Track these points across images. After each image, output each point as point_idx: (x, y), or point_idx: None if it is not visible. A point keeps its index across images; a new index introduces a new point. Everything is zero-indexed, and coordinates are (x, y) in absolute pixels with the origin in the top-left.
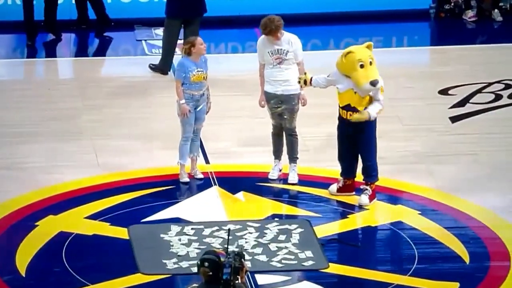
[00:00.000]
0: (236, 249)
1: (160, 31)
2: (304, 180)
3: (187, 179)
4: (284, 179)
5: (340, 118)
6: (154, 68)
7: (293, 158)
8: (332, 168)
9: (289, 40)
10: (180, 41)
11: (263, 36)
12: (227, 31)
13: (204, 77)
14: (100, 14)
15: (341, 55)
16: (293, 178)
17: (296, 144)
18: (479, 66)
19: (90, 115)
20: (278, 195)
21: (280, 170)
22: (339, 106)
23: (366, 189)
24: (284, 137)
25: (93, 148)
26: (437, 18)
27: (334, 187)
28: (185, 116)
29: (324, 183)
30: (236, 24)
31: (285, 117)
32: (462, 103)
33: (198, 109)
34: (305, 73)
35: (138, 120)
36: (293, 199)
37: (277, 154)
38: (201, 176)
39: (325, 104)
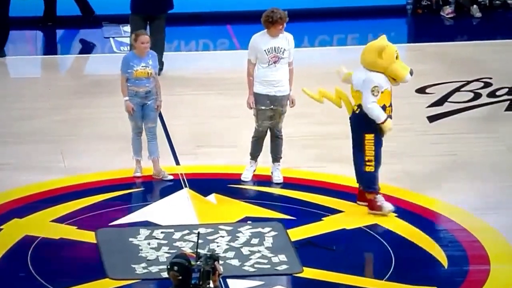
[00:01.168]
0: (209, 252)
1: (129, 28)
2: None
3: (138, 174)
4: (257, 180)
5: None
6: None
7: (277, 158)
8: (308, 169)
9: (287, 37)
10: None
11: (259, 33)
12: (198, 28)
13: (148, 74)
14: (82, 5)
15: (371, 54)
16: (278, 177)
17: (281, 145)
18: (458, 63)
19: (57, 115)
20: (250, 197)
21: (254, 171)
22: (386, 106)
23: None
24: (264, 140)
25: (60, 149)
26: (414, 14)
27: (390, 205)
28: (129, 113)
29: (298, 185)
30: (207, 21)
31: (275, 119)
32: (440, 102)
33: (145, 107)
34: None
35: (106, 120)
36: (267, 201)
37: (254, 156)
38: (170, 177)
39: (299, 104)
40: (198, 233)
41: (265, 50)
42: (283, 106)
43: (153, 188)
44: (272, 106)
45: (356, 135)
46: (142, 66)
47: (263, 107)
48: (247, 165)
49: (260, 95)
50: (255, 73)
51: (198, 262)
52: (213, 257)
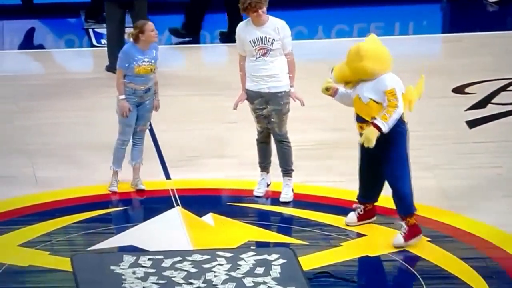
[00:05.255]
0: None
1: None
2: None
3: (115, 189)
4: (272, 198)
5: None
6: (107, 68)
7: (286, 171)
8: (323, 184)
9: (276, 26)
10: (128, 29)
11: (244, 22)
12: None
13: (152, 69)
14: None
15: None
16: (286, 195)
17: (289, 153)
18: (504, 57)
19: (27, 119)
20: (255, 217)
21: (268, 185)
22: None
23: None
24: (270, 145)
25: (30, 160)
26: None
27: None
28: (124, 115)
29: (311, 204)
30: None
31: (272, 120)
32: (482, 104)
33: (141, 107)
34: None
35: (84, 125)
36: (274, 223)
37: (264, 166)
38: (143, 187)
39: (313, 106)
40: None
41: (250, 42)
42: (281, 104)
43: (139, 206)
44: (267, 105)
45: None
46: (145, 61)
47: (258, 106)
48: (258, 177)
49: (253, 93)
50: (246, 67)
51: None
52: None
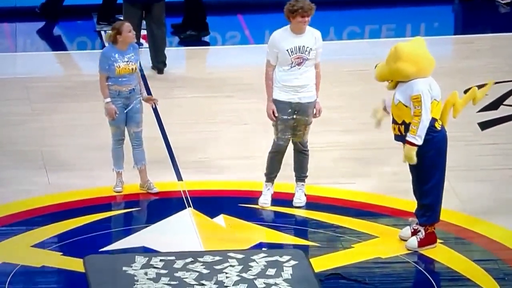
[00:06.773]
0: None
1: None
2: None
3: (120, 189)
4: (275, 199)
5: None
6: None
7: (301, 177)
8: (334, 186)
9: (314, 35)
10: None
11: (280, 30)
12: None
13: (132, 69)
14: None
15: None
16: (299, 199)
17: (307, 162)
18: None
19: (39, 121)
20: (266, 219)
21: (272, 194)
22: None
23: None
24: (283, 157)
25: (43, 161)
26: (463, 1)
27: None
28: (111, 117)
29: (323, 205)
30: (214, 10)
31: (298, 129)
32: (494, 105)
33: (128, 109)
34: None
35: (95, 127)
36: (285, 224)
37: (270, 177)
38: (156, 190)
39: (324, 107)
40: None
41: (287, 50)
42: (308, 115)
43: (151, 207)
44: (294, 116)
45: None
46: (125, 61)
47: (284, 117)
48: (263, 189)
49: (281, 102)
50: (274, 76)
51: None
52: None
